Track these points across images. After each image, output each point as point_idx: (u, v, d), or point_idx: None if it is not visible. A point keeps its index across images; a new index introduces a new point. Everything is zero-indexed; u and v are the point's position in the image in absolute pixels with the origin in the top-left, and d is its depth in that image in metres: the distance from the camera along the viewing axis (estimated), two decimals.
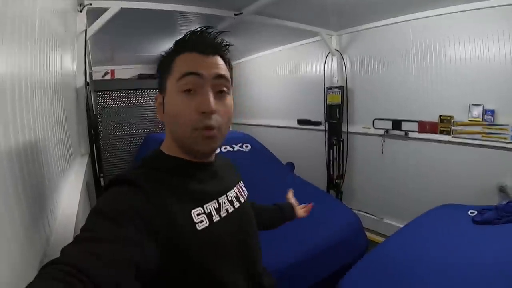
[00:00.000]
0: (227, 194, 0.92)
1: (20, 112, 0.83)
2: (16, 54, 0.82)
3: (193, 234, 0.75)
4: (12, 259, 0.62)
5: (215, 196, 0.87)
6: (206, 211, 0.81)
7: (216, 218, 0.83)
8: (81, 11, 2.57)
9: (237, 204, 0.93)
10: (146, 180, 0.76)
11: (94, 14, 2.75)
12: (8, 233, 0.62)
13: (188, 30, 0.86)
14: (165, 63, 0.87)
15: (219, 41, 0.88)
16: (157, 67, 0.91)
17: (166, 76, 0.85)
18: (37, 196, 0.89)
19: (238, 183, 1.04)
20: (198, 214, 0.79)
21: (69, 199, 1.41)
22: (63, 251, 0.56)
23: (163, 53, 0.90)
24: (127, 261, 0.58)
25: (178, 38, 0.87)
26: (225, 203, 0.89)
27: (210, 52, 0.84)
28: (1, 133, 0.65)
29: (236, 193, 0.97)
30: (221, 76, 0.83)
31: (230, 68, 0.91)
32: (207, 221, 0.80)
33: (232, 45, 0.92)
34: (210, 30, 0.86)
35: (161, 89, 0.88)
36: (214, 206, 0.84)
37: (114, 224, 0.63)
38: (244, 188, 1.07)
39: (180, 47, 0.85)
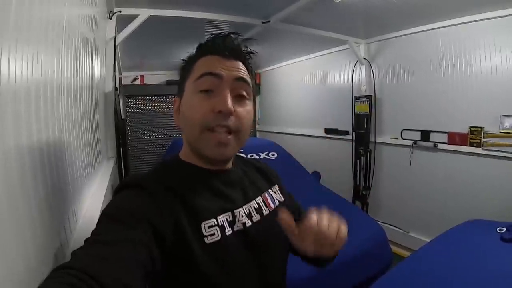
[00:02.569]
0: (244, 207, 0.86)
1: (49, 114, 0.84)
2: (46, 57, 0.84)
3: (201, 247, 0.72)
4: (29, 259, 0.62)
5: (230, 207, 0.82)
6: (220, 224, 0.77)
7: (228, 231, 0.78)
8: (110, 18, 2.64)
9: (256, 218, 0.86)
10: (157, 185, 0.75)
11: (124, 21, 2.83)
12: (27, 234, 0.62)
13: (211, 34, 0.85)
14: (186, 66, 0.86)
15: (243, 47, 0.85)
16: (180, 69, 0.89)
17: (185, 78, 0.84)
18: (59, 197, 0.90)
19: (265, 191, 0.96)
20: (209, 227, 0.75)
21: (93, 201, 1.43)
22: (73, 254, 0.57)
23: (185, 58, 0.88)
24: (135, 263, 0.58)
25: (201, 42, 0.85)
26: (242, 216, 0.83)
27: (232, 56, 0.82)
28: (25, 135, 0.66)
29: (258, 204, 0.90)
30: (241, 79, 0.81)
31: (252, 75, 0.88)
32: (219, 234, 0.75)
33: (256, 53, 0.89)
34: (234, 36, 0.84)
35: (179, 92, 0.86)
36: (227, 218, 0.80)
37: (122, 226, 0.63)
38: (274, 195, 0.98)
39: (202, 50, 0.84)
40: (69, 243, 0.96)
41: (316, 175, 3.96)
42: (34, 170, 0.69)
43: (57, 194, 0.88)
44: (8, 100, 0.57)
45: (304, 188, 3.37)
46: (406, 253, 3.79)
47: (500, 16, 3.04)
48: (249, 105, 0.83)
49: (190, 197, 0.77)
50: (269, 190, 0.98)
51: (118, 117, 2.72)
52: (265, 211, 0.90)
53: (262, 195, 0.94)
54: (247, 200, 0.88)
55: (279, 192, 1.02)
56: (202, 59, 0.82)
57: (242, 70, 0.83)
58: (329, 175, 4.48)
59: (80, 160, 1.33)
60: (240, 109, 0.80)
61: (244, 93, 0.82)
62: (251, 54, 0.88)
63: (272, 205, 0.94)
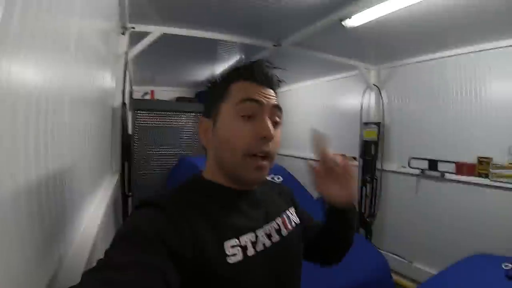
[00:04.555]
0: (265, 226, 0.86)
1: (55, 125, 0.85)
2: (56, 68, 0.86)
3: (223, 267, 0.71)
4: (19, 279, 0.62)
5: (253, 228, 0.83)
6: (242, 244, 0.77)
7: (251, 252, 0.78)
8: (123, 34, 2.67)
9: (276, 238, 0.87)
10: (175, 204, 0.75)
11: (136, 37, 2.88)
12: (17, 258, 0.62)
13: (243, 59, 0.91)
14: (218, 88, 0.88)
15: (275, 75, 0.90)
16: (208, 90, 0.92)
17: (219, 101, 0.85)
18: (54, 214, 0.88)
19: (283, 212, 0.98)
20: (232, 246, 0.75)
21: (92, 218, 1.41)
22: (83, 277, 0.56)
23: (216, 77, 0.91)
24: (143, 287, 0.57)
25: (235, 65, 0.90)
26: (262, 236, 0.84)
27: (266, 84, 0.86)
28: (32, 143, 0.67)
29: (277, 224, 0.91)
30: (278, 107, 0.86)
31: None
32: (242, 255, 0.76)
33: (284, 81, 0.96)
34: (267, 63, 0.89)
35: (210, 113, 0.88)
36: (250, 239, 0.80)
37: (133, 248, 0.62)
38: (291, 217, 1.00)
39: (237, 74, 0.86)
40: (67, 254, 0.97)
41: (322, 200, 3.89)
42: (34, 180, 0.70)
43: (52, 212, 0.87)
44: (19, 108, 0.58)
45: (308, 213, 3.33)
46: (409, 284, 3.73)
47: (509, 46, 3.04)
48: (279, 131, 0.88)
49: (214, 216, 0.78)
50: (287, 211, 1.00)
51: (124, 132, 2.72)
52: (284, 232, 0.91)
53: (281, 216, 0.95)
54: (268, 220, 0.89)
55: (295, 214, 1.03)
56: (238, 83, 0.85)
57: (275, 98, 0.88)
58: None
59: (80, 175, 1.32)
60: (275, 135, 0.84)
61: (278, 120, 0.87)
62: (280, 82, 0.92)
63: (290, 227, 0.95)
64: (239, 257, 0.75)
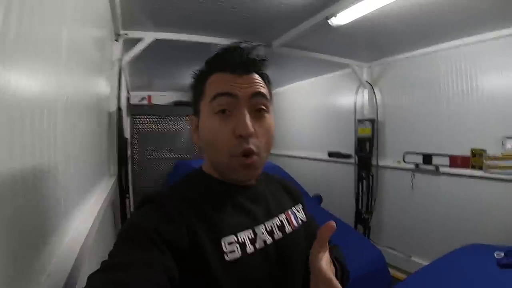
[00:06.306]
0: (266, 223, 0.81)
1: (40, 132, 0.84)
2: (51, 75, 0.88)
3: (221, 264, 0.68)
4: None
5: (252, 224, 0.78)
6: (240, 240, 0.73)
7: (250, 249, 0.74)
8: (117, 41, 2.72)
9: (278, 235, 0.82)
10: (173, 199, 0.74)
11: (130, 43, 2.93)
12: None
13: (219, 49, 0.82)
14: (197, 84, 0.84)
15: (253, 57, 0.80)
16: (190, 88, 0.87)
17: (199, 98, 0.81)
18: (39, 219, 0.84)
19: (288, 208, 0.92)
20: (229, 243, 0.71)
21: (82, 222, 1.33)
22: (89, 279, 0.56)
23: (194, 74, 0.86)
24: (150, 285, 0.56)
25: (211, 56, 0.82)
26: (263, 233, 0.79)
27: (243, 71, 0.78)
28: (9, 153, 0.64)
29: (280, 221, 0.86)
30: (258, 94, 0.77)
31: (267, 83, 0.85)
32: (239, 252, 0.72)
33: (267, 59, 0.85)
34: (242, 46, 0.80)
35: (195, 112, 0.84)
36: (249, 236, 0.76)
37: (135, 246, 0.62)
38: (298, 214, 0.94)
39: (211, 67, 0.81)
40: (54, 255, 0.93)
41: (317, 198, 3.93)
42: (25, 180, 0.70)
43: (37, 216, 0.83)
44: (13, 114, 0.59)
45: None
46: None
47: (501, 37, 3.06)
48: (268, 118, 0.81)
49: (210, 211, 0.75)
50: (293, 208, 0.95)
51: (121, 136, 2.76)
52: (288, 229, 0.86)
53: (285, 212, 0.90)
54: (269, 217, 0.84)
55: (302, 211, 0.98)
56: (212, 77, 0.79)
57: (257, 83, 0.79)
58: (330, 198, 4.42)
59: (77, 176, 1.33)
60: (259, 128, 0.77)
61: (263, 107, 0.79)
62: (264, 61, 0.83)
63: (295, 223, 0.90)
64: (237, 254, 0.71)
